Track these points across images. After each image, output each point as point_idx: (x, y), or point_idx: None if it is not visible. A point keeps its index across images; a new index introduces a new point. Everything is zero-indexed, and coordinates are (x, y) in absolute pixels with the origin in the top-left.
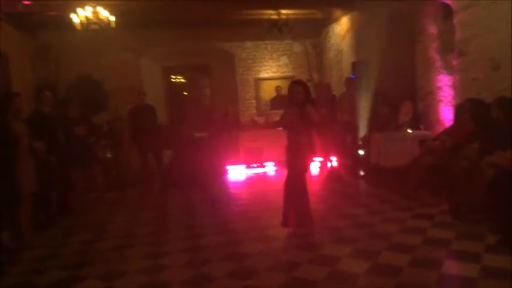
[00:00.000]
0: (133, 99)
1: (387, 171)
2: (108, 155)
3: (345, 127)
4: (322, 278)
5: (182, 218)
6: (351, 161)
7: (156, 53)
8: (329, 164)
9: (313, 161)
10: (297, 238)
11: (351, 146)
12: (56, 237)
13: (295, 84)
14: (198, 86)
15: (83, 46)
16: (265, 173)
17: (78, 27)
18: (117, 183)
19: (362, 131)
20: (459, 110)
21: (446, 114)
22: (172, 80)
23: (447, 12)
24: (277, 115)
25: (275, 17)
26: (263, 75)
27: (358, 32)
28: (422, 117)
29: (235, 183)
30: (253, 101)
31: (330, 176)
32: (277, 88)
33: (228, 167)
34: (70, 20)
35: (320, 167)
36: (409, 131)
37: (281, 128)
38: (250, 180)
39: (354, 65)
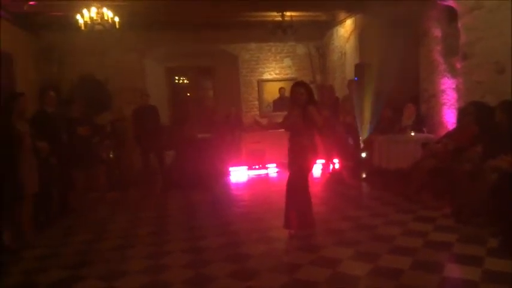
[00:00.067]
0: (137, 100)
1: (390, 173)
2: (111, 155)
3: (348, 129)
4: (324, 280)
5: (184, 219)
6: (353, 163)
7: (160, 53)
8: (331, 166)
9: (316, 163)
10: (298, 240)
11: (353, 148)
12: (57, 237)
13: (298, 85)
14: (201, 87)
15: (86, 46)
16: (267, 174)
17: (83, 27)
18: (119, 183)
19: (364, 133)
20: (462, 113)
21: (449, 117)
22: (175, 81)
23: (451, 15)
24: (280, 117)
25: (279, 18)
26: (266, 76)
27: (361, 34)
28: (425, 119)
29: (237, 184)
30: (256, 103)
31: (332, 178)
32: (281, 90)
33: (230, 168)
34: (75, 20)
35: (322, 169)
36: (412, 133)
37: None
38: (252, 182)
39: (357, 67)
